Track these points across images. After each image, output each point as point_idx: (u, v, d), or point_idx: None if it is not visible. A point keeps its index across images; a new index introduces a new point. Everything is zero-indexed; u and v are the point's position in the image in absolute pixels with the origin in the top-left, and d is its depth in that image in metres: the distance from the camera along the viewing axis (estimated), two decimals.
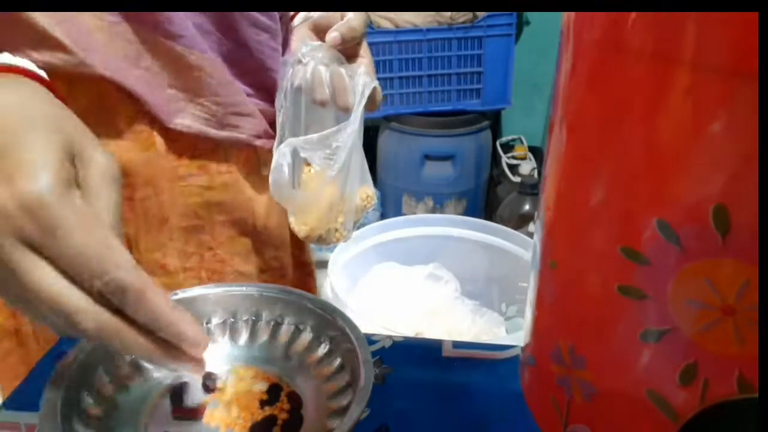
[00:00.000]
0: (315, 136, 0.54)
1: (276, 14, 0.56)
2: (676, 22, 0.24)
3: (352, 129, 0.55)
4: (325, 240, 0.59)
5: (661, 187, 0.27)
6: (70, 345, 0.39)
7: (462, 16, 1.70)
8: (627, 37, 0.27)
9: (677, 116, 0.25)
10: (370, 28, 1.68)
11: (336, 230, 0.59)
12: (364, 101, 0.54)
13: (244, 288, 0.46)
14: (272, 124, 0.59)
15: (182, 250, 0.58)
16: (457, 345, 0.51)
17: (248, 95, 0.57)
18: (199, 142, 0.56)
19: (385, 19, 1.70)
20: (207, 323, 0.46)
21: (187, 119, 0.54)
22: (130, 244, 0.56)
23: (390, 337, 0.52)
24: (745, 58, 0.22)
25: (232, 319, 0.47)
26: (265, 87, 0.58)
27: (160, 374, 0.43)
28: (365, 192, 0.61)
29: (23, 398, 0.45)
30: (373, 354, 0.49)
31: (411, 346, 0.52)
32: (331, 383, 0.42)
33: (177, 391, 0.42)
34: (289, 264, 0.68)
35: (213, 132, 0.55)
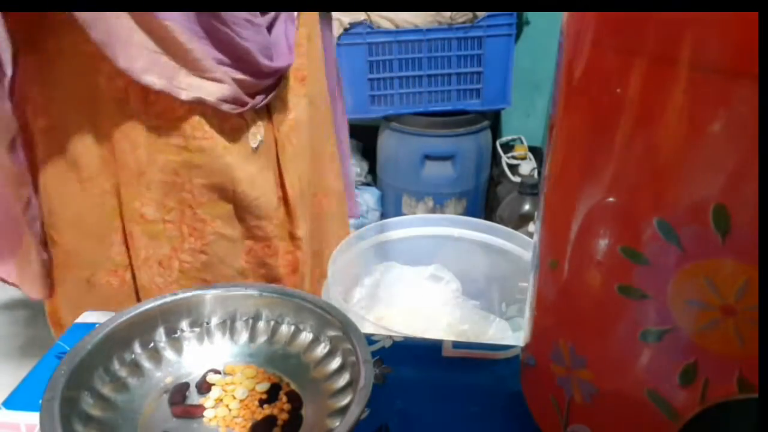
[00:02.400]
0: None
1: None
2: (676, 22, 0.24)
3: None
4: None
5: (661, 187, 0.27)
6: (70, 345, 0.39)
7: (462, 16, 1.70)
8: (627, 38, 0.27)
9: (677, 116, 0.25)
10: (370, 28, 1.68)
11: None
12: None
13: (244, 288, 0.47)
14: (252, 94, 0.62)
15: (161, 203, 0.61)
16: (457, 345, 0.51)
17: (222, 63, 0.59)
18: (175, 103, 0.58)
19: (385, 19, 1.70)
20: (207, 323, 0.46)
21: (154, 76, 0.56)
22: (115, 191, 0.61)
23: (390, 337, 0.52)
24: (745, 58, 0.22)
25: (232, 319, 0.47)
26: (238, 57, 0.59)
27: (160, 374, 0.43)
28: None
29: (23, 398, 0.45)
30: (373, 354, 0.49)
31: (411, 346, 0.52)
32: (331, 383, 0.42)
33: (176, 391, 0.42)
34: (276, 235, 0.69)
35: (179, 91, 0.57)
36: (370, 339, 0.51)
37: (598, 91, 0.29)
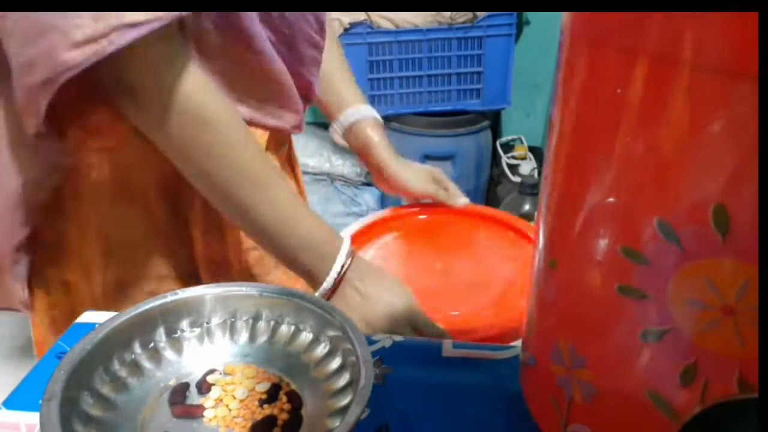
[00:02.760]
0: None
1: (325, 30, 0.65)
2: (676, 22, 0.24)
3: None
4: None
5: (661, 187, 0.27)
6: (70, 345, 0.39)
7: (462, 16, 1.70)
8: (627, 38, 0.27)
9: (677, 116, 0.25)
10: (370, 28, 1.68)
11: None
12: None
13: (244, 288, 0.47)
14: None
15: None
16: (457, 345, 0.51)
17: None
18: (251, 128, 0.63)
19: (385, 19, 1.70)
20: (207, 323, 0.46)
21: (244, 107, 0.61)
22: (193, 204, 0.64)
23: (390, 337, 0.52)
24: (745, 58, 0.22)
25: (232, 319, 0.47)
26: (302, 88, 0.66)
27: (160, 374, 0.43)
28: None
29: (23, 398, 0.45)
30: (373, 354, 0.49)
31: (411, 346, 0.52)
32: (331, 383, 0.42)
33: (176, 391, 0.42)
34: None
35: (263, 120, 0.63)
36: (370, 339, 0.52)
37: (598, 91, 0.29)
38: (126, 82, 0.50)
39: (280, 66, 0.60)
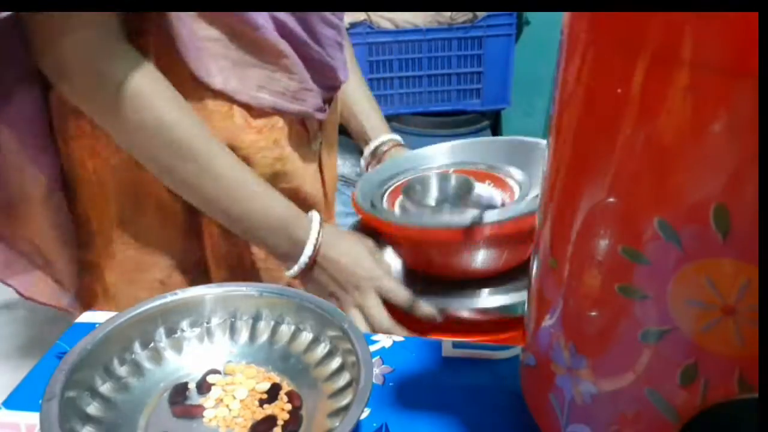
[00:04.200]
0: None
1: (342, 13, 0.66)
2: (676, 22, 0.24)
3: None
4: None
5: (661, 187, 0.27)
6: (70, 345, 0.39)
7: (462, 16, 1.70)
8: (627, 37, 0.27)
9: (677, 116, 0.25)
10: (370, 28, 1.68)
11: None
12: None
13: (244, 288, 0.47)
14: (326, 101, 0.70)
15: None
16: (457, 345, 0.51)
17: (312, 79, 0.66)
18: (275, 117, 0.64)
19: (385, 19, 1.70)
20: (207, 323, 0.46)
21: (266, 93, 0.62)
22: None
23: (390, 337, 0.52)
24: (745, 58, 0.22)
25: (232, 319, 0.47)
26: (323, 71, 0.67)
27: (160, 374, 0.43)
28: None
29: (23, 398, 0.45)
30: (373, 354, 0.49)
31: (411, 346, 0.52)
32: (331, 383, 0.42)
33: (176, 391, 0.42)
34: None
35: (287, 105, 0.63)
36: (370, 339, 0.52)
37: (598, 91, 0.29)
38: (59, 67, 0.52)
39: (284, 44, 0.60)
